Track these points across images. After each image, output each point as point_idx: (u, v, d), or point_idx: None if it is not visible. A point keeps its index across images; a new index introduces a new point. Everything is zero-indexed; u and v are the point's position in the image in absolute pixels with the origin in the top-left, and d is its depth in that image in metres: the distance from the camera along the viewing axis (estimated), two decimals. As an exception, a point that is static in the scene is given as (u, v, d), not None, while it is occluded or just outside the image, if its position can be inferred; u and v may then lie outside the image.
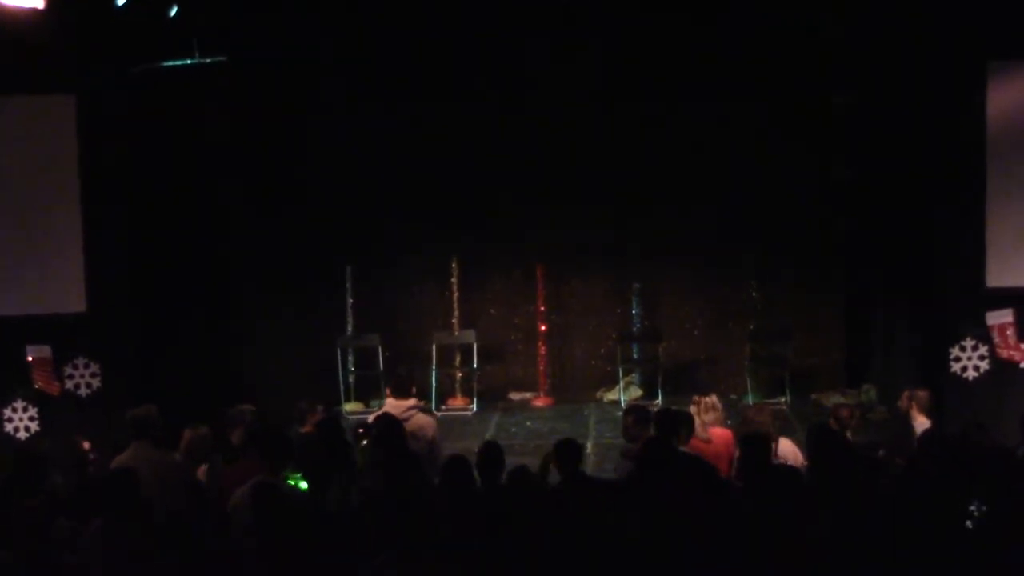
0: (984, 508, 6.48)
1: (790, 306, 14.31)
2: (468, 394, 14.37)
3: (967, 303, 11.40)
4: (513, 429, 13.32)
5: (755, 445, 7.82)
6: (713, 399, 9.22)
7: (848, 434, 8.99)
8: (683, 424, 8.50)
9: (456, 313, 14.40)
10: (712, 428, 9.01)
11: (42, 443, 10.68)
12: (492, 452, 7.58)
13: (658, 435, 8.23)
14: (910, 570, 6.23)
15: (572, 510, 6.77)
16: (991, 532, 6.46)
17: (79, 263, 11.41)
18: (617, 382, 14.24)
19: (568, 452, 7.55)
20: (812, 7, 12.83)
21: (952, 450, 7.71)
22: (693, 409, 9.03)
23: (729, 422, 9.51)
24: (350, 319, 14.22)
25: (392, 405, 9.02)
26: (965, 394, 11.29)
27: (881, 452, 8.12)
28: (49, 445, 9.40)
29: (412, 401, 9.08)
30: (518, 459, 11.43)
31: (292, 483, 7.70)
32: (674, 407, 9.80)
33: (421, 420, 9.02)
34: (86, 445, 9.12)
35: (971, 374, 11.38)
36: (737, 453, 8.61)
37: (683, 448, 8.31)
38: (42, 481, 7.78)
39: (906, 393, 9.73)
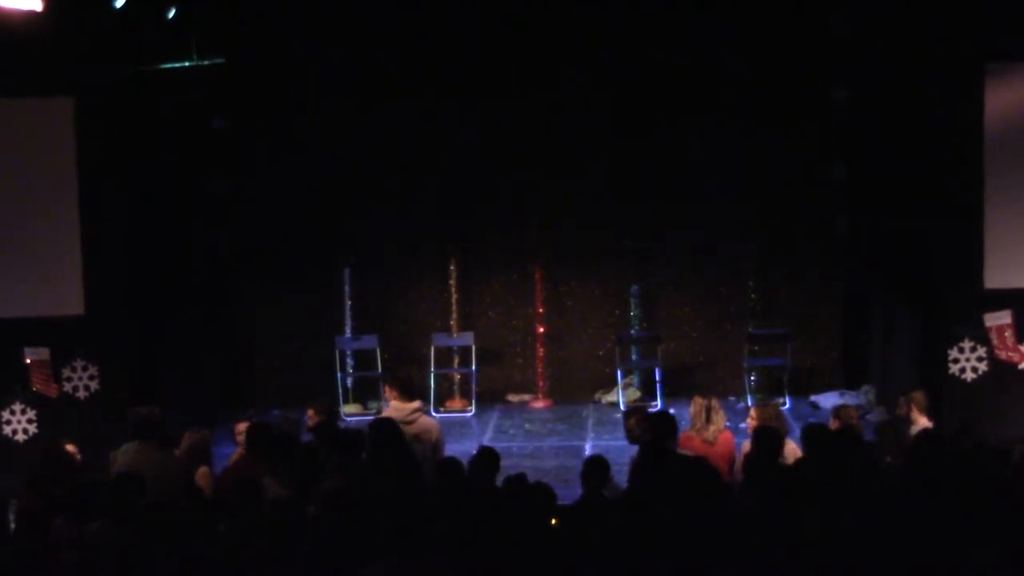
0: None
1: (789, 307, 14.30)
2: (466, 396, 14.36)
3: (965, 304, 11.40)
4: (512, 431, 13.32)
5: (768, 440, 7.83)
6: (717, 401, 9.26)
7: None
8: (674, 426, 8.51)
9: (455, 315, 14.39)
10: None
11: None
12: (486, 457, 7.57)
13: (654, 437, 8.24)
14: (907, 568, 6.24)
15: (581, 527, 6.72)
16: (985, 532, 6.46)
17: (77, 266, 11.39)
18: (616, 384, 14.23)
19: (595, 470, 7.49)
20: (815, 7, 12.85)
21: (946, 450, 7.74)
22: (702, 411, 9.02)
23: (728, 423, 9.51)
24: (348, 321, 14.21)
25: (396, 407, 9.01)
26: (964, 396, 11.29)
27: (888, 459, 8.11)
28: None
29: (417, 403, 9.08)
30: (516, 461, 11.54)
31: None
32: (672, 409, 9.84)
33: (426, 423, 9.03)
34: (70, 447, 9.05)
35: (969, 376, 11.38)
36: (741, 454, 8.63)
37: (682, 450, 8.32)
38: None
39: (902, 398, 9.73)
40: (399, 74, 13.77)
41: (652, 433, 8.34)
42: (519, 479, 7.10)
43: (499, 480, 7.48)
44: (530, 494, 6.88)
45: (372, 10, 13.21)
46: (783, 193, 14.06)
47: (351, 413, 13.63)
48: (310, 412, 9.15)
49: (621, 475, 8.20)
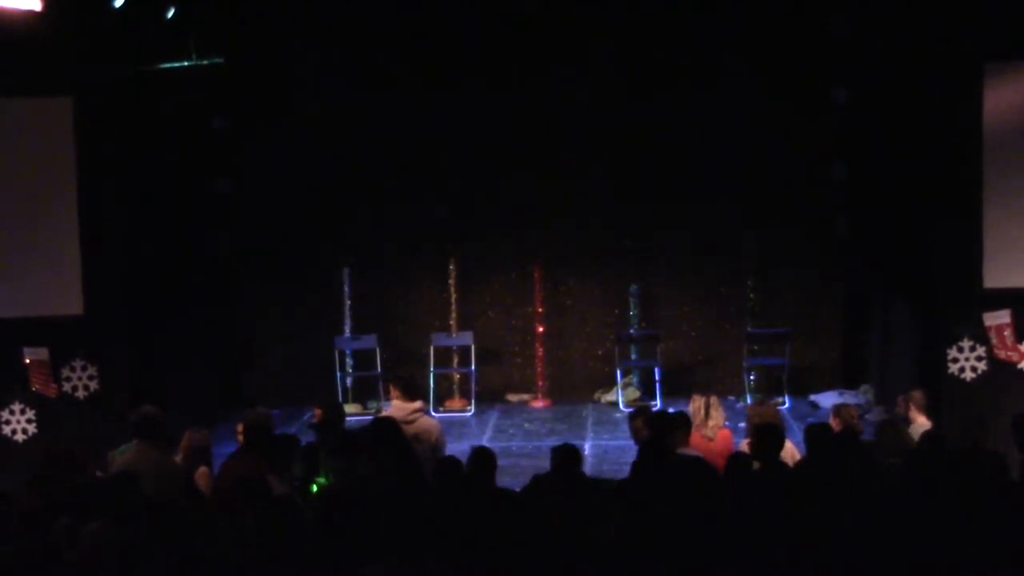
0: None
1: (788, 307, 14.31)
2: (466, 395, 14.37)
3: (965, 304, 11.39)
4: (511, 430, 13.34)
5: (769, 436, 7.83)
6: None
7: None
8: (680, 426, 8.50)
9: (454, 314, 14.40)
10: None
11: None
12: (482, 457, 7.56)
13: (653, 437, 8.23)
14: (907, 568, 6.24)
15: (572, 514, 6.73)
16: (985, 532, 6.46)
17: (76, 265, 11.38)
18: (615, 383, 14.24)
19: (566, 457, 7.50)
20: (815, 7, 12.85)
21: (946, 450, 7.74)
22: (701, 408, 9.02)
23: (727, 423, 9.52)
24: (348, 320, 14.21)
25: (398, 407, 9.01)
26: (963, 395, 11.28)
27: (891, 460, 8.11)
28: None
29: (419, 403, 9.08)
30: (516, 460, 11.55)
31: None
32: (672, 408, 9.84)
33: (427, 423, 9.01)
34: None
35: (969, 375, 11.38)
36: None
37: (683, 450, 8.32)
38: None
39: (901, 397, 9.73)
40: (399, 74, 13.80)
41: (651, 432, 8.33)
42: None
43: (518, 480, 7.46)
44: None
45: (371, 10, 13.22)
46: (783, 193, 14.08)
47: (350, 413, 13.60)
48: (317, 411, 9.14)
49: (623, 475, 8.21)
